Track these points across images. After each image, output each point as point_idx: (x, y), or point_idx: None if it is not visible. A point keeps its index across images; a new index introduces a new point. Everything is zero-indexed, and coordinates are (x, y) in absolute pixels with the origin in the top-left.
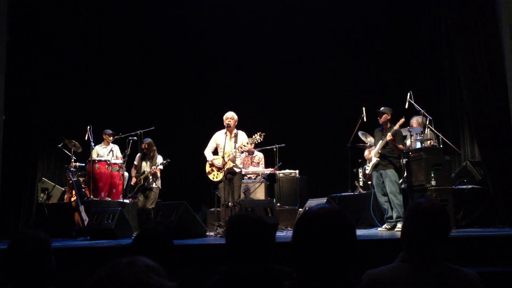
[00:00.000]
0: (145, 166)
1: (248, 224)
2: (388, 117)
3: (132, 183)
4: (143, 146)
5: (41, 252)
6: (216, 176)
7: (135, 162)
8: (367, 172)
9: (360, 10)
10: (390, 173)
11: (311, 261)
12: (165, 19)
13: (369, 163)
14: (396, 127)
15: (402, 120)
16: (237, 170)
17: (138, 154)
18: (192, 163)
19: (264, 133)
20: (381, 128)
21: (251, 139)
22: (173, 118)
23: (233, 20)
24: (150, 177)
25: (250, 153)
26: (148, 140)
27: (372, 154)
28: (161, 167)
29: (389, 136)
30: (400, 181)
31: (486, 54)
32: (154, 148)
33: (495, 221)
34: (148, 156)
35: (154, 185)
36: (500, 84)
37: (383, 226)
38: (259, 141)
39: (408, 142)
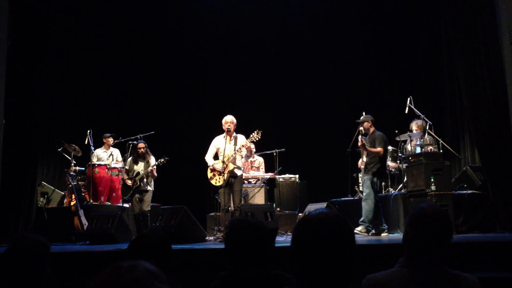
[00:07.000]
0: (139, 168)
1: (248, 229)
2: (369, 124)
3: (128, 184)
4: (141, 150)
5: (41, 256)
6: (218, 181)
7: (127, 167)
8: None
9: (361, 16)
10: (367, 178)
11: (310, 266)
12: (164, 24)
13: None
14: None
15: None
16: (239, 172)
17: (130, 158)
18: (191, 167)
19: (261, 131)
20: (367, 137)
21: (249, 138)
22: (173, 122)
23: (233, 24)
24: (145, 178)
25: (247, 156)
26: (143, 142)
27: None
28: (154, 163)
29: (359, 142)
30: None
31: (486, 60)
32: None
33: (495, 226)
34: (141, 158)
35: (149, 187)
36: (500, 89)
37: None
38: (257, 138)
39: (408, 147)
